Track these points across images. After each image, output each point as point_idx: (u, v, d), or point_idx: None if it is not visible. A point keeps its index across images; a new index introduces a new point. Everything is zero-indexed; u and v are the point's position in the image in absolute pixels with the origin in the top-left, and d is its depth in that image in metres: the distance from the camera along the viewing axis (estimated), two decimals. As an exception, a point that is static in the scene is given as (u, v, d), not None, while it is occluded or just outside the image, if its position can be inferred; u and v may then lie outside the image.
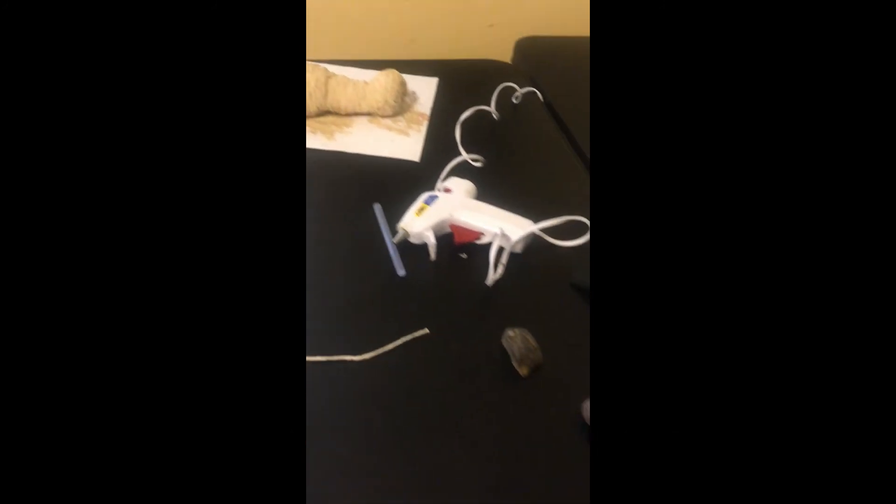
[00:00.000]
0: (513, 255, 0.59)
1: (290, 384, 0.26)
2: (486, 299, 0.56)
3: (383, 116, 0.80)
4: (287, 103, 0.28)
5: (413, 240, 0.59)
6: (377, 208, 0.63)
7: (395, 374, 0.48)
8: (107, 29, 0.26)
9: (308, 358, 0.48)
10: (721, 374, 0.25)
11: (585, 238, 0.60)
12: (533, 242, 0.61)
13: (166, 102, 0.26)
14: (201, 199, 0.26)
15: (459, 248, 0.60)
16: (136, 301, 0.25)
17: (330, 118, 0.79)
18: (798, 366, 0.24)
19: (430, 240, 0.58)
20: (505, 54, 1.06)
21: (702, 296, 0.25)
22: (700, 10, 0.26)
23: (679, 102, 0.26)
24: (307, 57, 0.92)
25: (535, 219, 0.61)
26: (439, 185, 0.65)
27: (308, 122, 0.78)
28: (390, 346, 0.50)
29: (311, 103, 0.77)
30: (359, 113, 0.79)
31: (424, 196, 0.62)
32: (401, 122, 0.80)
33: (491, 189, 0.67)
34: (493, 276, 0.55)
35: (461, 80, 0.91)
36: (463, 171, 0.69)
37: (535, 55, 1.02)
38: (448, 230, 0.61)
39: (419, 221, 0.59)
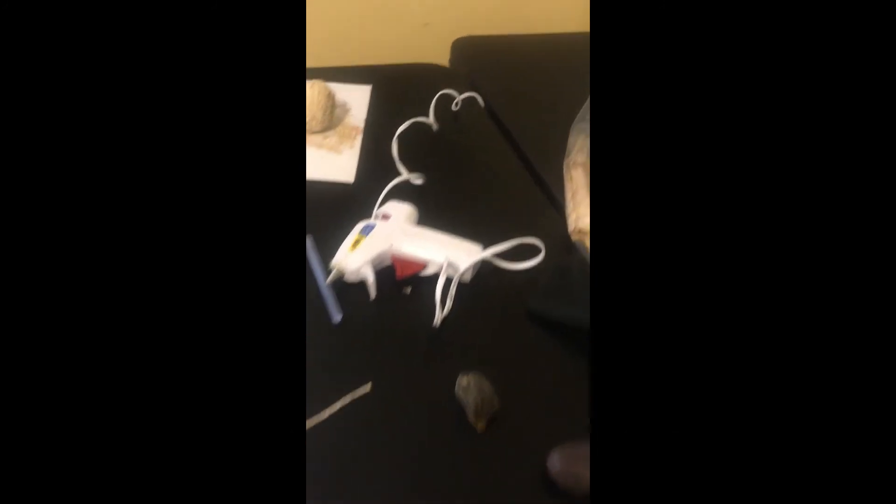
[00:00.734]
0: (461, 286, 0.53)
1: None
2: (435, 341, 0.50)
3: (311, 133, 0.72)
4: (288, 126, 0.27)
5: (349, 278, 0.53)
6: (308, 242, 0.56)
7: (335, 443, 0.42)
8: (105, 33, 0.25)
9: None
10: (723, 393, 0.24)
11: (539, 259, 0.56)
12: (482, 267, 0.56)
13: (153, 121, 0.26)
14: (203, 233, 0.26)
15: (402, 282, 0.54)
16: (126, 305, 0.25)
17: (251, 138, 0.71)
18: (797, 376, 0.24)
19: (369, 277, 0.52)
20: (442, 56, 1.00)
21: (704, 304, 0.25)
22: (700, 11, 0.26)
23: (682, 107, 0.26)
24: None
25: (484, 241, 0.56)
26: (376, 210, 0.59)
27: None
28: (327, 413, 0.43)
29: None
30: (283, 131, 0.72)
31: (360, 226, 0.56)
32: (332, 138, 0.73)
33: (434, 210, 0.61)
34: (440, 314, 0.49)
35: (396, 88, 0.84)
36: (403, 191, 0.63)
37: (474, 56, 0.97)
38: (389, 263, 0.54)
39: (355, 256, 0.53)
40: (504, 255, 0.56)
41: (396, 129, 0.71)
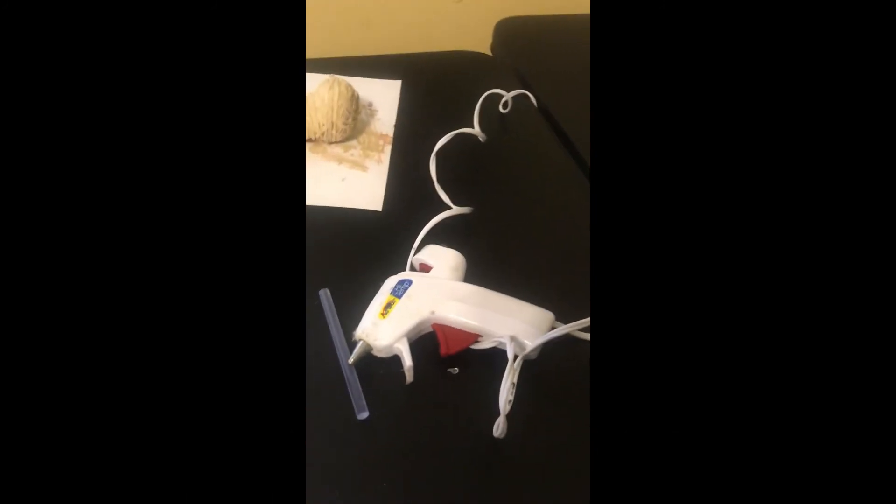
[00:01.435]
0: (525, 364, 0.40)
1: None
2: (490, 452, 0.37)
3: (330, 143, 0.59)
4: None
5: (379, 353, 0.40)
6: (323, 298, 0.43)
7: None
8: (104, 34, 0.25)
9: None
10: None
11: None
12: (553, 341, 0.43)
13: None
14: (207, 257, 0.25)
15: (447, 360, 0.41)
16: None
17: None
18: (796, 377, 0.24)
19: (406, 358, 0.39)
20: (481, 42, 0.85)
21: (703, 306, 0.25)
22: (700, 12, 0.25)
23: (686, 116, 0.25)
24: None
25: (557, 301, 0.42)
26: (412, 259, 0.46)
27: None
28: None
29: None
30: (295, 141, 0.58)
31: (391, 282, 0.43)
32: (355, 151, 0.59)
33: (485, 253, 0.47)
34: (503, 422, 0.36)
35: (431, 82, 0.70)
36: (444, 227, 0.49)
37: (520, 42, 0.82)
38: (429, 329, 0.41)
39: (386, 327, 0.39)
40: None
41: (433, 137, 0.57)
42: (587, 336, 0.42)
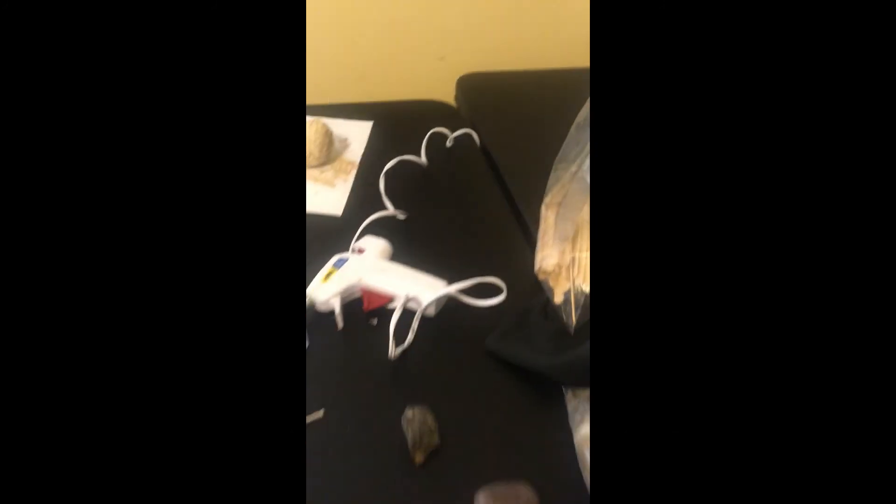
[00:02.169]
0: (426, 320, 0.56)
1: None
2: (391, 373, 0.52)
3: (309, 167, 0.77)
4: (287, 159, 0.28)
5: (319, 308, 0.56)
6: (287, 271, 0.60)
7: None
8: (104, 29, 0.25)
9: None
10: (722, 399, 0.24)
11: (501, 298, 0.57)
12: (448, 303, 0.58)
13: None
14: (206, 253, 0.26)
15: (369, 314, 0.57)
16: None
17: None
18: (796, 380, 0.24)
19: (336, 307, 0.55)
20: (450, 93, 1.05)
21: (703, 309, 0.25)
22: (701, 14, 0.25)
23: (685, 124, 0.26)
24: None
25: (453, 278, 0.58)
26: (353, 244, 0.63)
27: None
28: (280, 433, 0.47)
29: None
30: (283, 164, 0.77)
31: (334, 259, 0.60)
32: (328, 172, 0.78)
33: (409, 246, 0.64)
34: (393, 349, 0.52)
35: (396, 124, 0.89)
36: (385, 226, 0.66)
37: (478, 92, 1.00)
38: (358, 295, 0.58)
39: (325, 288, 0.56)
40: (472, 293, 0.58)
41: (386, 165, 0.75)
42: (471, 301, 0.57)
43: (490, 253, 0.66)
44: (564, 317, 0.55)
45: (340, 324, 0.55)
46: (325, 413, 0.48)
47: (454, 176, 0.80)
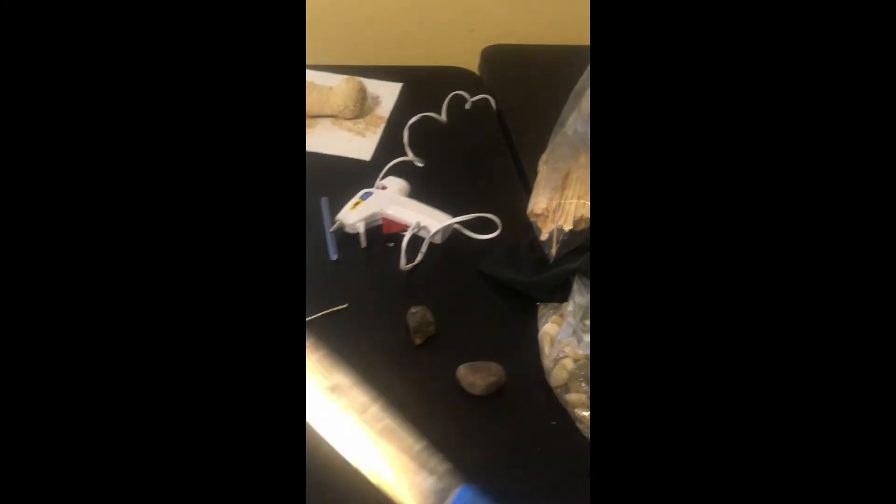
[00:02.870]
0: (434, 246, 0.68)
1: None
2: (402, 282, 0.66)
3: (345, 118, 0.90)
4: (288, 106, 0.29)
5: (348, 230, 0.70)
6: (323, 202, 0.74)
7: (315, 338, 0.59)
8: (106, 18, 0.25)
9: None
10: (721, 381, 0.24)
11: (496, 233, 0.70)
12: (454, 236, 0.71)
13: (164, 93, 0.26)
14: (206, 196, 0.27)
15: (387, 238, 0.70)
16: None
17: (298, 119, 0.90)
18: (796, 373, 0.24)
19: (361, 229, 0.68)
20: (474, 62, 1.15)
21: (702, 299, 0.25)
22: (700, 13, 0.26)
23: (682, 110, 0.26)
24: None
25: (457, 214, 0.71)
26: (378, 182, 0.75)
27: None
28: (315, 315, 0.60)
29: (282, 106, 0.87)
30: (323, 115, 0.90)
31: (361, 192, 0.73)
32: (360, 124, 0.90)
33: (426, 188, 0.77)
34: (404, 263, 0.65)
35: (424, 86, 1.00)
36: (406, 171, 0.79)
37: (499, 63, 1.11)
38: (379, 222, 0.71)
39: (353, 214, 0.69)
40: (473, 228, 0.70)
41: (410, 120, 0.87)
42: (471, 234, 0.70)
43: (492, 197, 0.78)
44: (546, 250, 0.67)
45: (364, 243, 0.69)
46: (349, 306, 0.62)
47: (469, 134, 0.92)
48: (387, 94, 0.98)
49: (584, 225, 0.67)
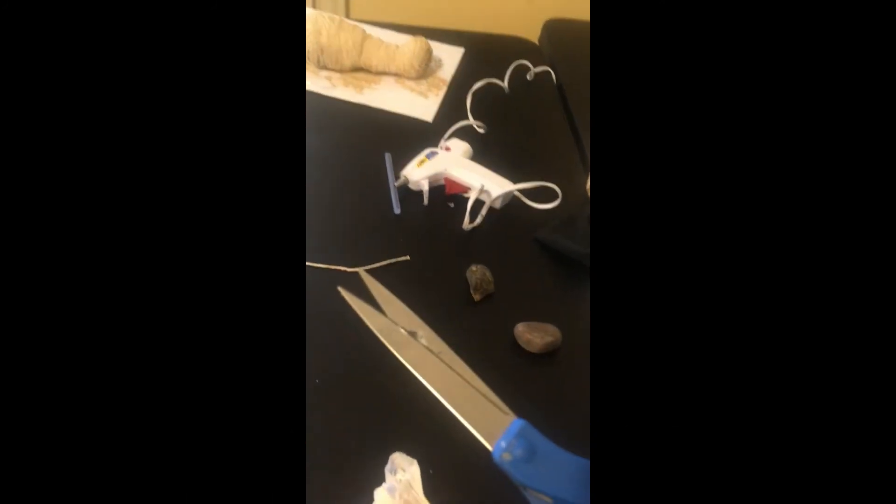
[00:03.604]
0: (492, 210, 0.70)
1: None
2: (461, 240, 0.68)
3: (408, 78, 0.91)
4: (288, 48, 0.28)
5: (412, 186, 0.71)
6: (387, 157, 0.75)
7: (378, 282, 0.61)
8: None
9: (310, 264, 0.62)
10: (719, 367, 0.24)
11: (556, 203, 0.71)
12: (512, 202, 0.72)
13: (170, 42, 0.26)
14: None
15: (449, 197, 0.72)
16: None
17: (362, 74, 0.91)
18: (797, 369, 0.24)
19: (425, 187, 0.70)
20: (535, 33, 1.15)
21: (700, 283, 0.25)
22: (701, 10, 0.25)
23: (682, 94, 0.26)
24: (348, 17, 1.03)
25: (518, 181, 0.72)
26: (442, 143, 0.77)
27: (342, 76, 0.89)
28: (377, 265, 0.63)
29: (347, 59, 0.88)
30: (388, 73, 0.90)
31: (427, 151, 0.74)
32: (423, 85, 0.91)
33: (487, 153, 0.78)
34: (468, 222, 0.67)
35: (485, 53, 1.01)
36: (467, 134, 0.80)
37: (560, 37, 1.10)
38: (442, 182, 0.72)
39: (418, 171, 0.71)
40: (530, 196, 0.72)
41: (474, 85, 0.88)
42: (530, 203, 0.71)
43: (551, 169, 0.79)
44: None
45: (426, 201, 0.70)
46: (410, 258, 0.64)
47: (529, 105, 0.92)
48: (448, 57, 0.98)
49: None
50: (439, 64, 0.96)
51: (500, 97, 0.91)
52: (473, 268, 0.62)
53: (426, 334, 0.52)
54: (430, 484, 0.45)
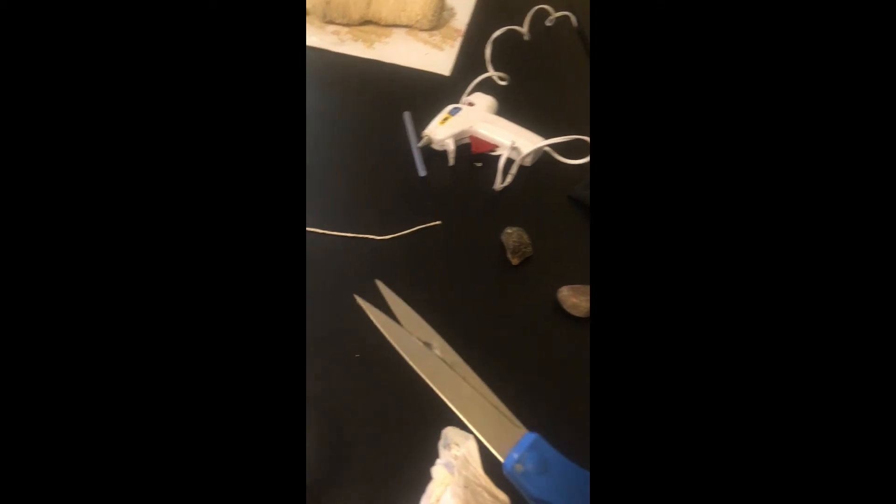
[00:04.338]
0: (522, 167, 0.66)
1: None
2: (493, 202, 0.64)
3: (421, 29, 0.85)
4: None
5: (435, 146, 0.67)
6: (406, 116, 0.71)
7: (408, 255, 0.58)
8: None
9: (337, 233, 0.58)
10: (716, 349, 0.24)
11: (588, 157, 0.67)
12: (542, 158, 0.68)
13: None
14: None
15: (476, 157, 0.67)
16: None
17: (370, 28, 0.85)
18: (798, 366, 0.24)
19: (450, 147, 0.66)
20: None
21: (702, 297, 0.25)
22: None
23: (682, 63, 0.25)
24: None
25: (548, 136, 0.68)
26: (464, 98, 0.72)
27: (350, 29, 0.84)
28: (406, 231, 0.59)
29: (355, 12, 0.82)
30: (398, 25, 0.84)
31: (449, 107, 0.69)
32: (436, 37, 0.85)
33: (512, 106, 0.73)
34: (499, 182, 0.63)
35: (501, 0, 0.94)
36: (488, 87, 0.75)
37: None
38: (467, 140, 0.68)
39: (442, 130, 0.67)
40: (561, 152, 0.67)
41: (493, 34, 0.82)
42: (562, 159, 0.67)
43: (580, 120, 0.74)
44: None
45: (452, 161, 0.66)
46: (441, 223, 0.61)
47: (552, 52, 0.86)
48: (462, 5, 0.92)
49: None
50: (452, 13, 0.90)
51: (519, 46, 0.85)
52: (509, 230, 0.59)
53: (440, 345, 0.51)
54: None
